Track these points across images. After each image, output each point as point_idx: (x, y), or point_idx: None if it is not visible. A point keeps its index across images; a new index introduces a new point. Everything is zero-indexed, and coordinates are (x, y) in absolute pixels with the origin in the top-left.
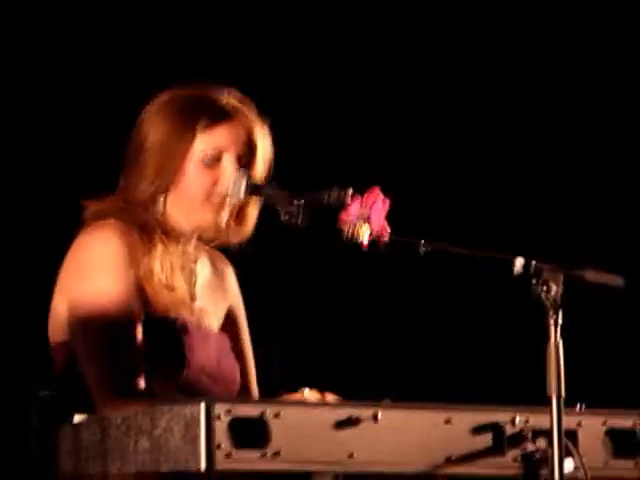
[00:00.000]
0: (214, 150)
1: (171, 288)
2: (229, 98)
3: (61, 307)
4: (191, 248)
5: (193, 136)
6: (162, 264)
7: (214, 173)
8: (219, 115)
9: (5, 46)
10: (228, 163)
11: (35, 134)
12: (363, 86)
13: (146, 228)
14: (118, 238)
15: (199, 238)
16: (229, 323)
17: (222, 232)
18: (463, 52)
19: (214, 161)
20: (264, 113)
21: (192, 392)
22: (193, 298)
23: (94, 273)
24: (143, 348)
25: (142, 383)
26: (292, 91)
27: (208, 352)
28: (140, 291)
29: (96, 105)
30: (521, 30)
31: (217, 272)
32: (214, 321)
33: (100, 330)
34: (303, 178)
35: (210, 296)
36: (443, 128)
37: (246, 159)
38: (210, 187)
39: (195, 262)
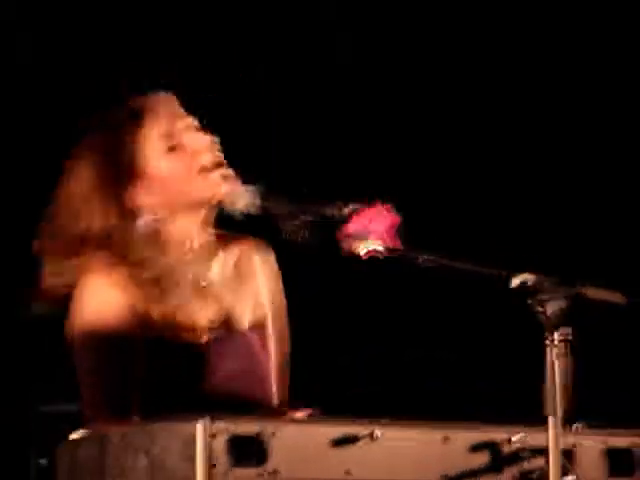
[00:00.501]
0: (164, 137)
1: (173, 315)
2: (133, 101)
3: None
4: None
5: (138, 142)
6: (157, 300)
7: (184, 149)
8: (137, 112)
9: (5, 46)
10: (187, 136)
11: (35, 134)
12: (363, 86)
13: (131, 267)
14: (109, 289)
15: (204, 221)
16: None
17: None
18: (464, 52)
19: (174, 144)
20: (264, 113)
21: (219, 400)
22: (206, 310)
23: (91, 300)
24: (145, 370)
25: (136, 404)
26: (292, 91)
27: (235, 355)
28: (143, 320)
29: (96, 105)
30: (521, 31)
31: (241, 264)
32: (241, 320)
33: (95, 350)
34: (302, 178)
35: (233, 294)
36: (445, 130)
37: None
38: (193, 161)
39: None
